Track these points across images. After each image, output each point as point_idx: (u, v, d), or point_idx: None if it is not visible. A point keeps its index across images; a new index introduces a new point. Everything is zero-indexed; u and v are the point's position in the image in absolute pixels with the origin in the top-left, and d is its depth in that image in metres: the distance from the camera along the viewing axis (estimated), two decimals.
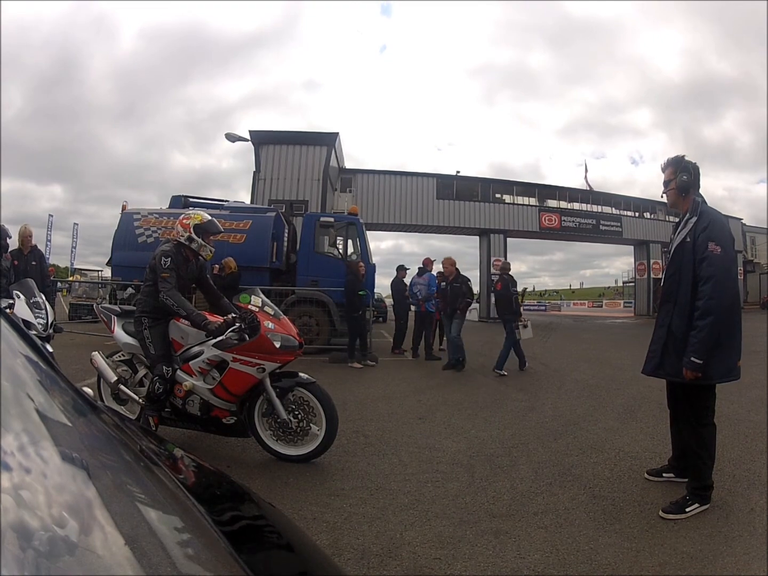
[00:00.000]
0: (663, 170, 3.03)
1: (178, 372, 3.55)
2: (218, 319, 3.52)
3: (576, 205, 28.41)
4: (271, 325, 3.48)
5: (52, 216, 27.24)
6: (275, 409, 3.47)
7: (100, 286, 17.57)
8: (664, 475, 3.20)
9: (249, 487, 1.01)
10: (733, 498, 2.88)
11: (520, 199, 27.48)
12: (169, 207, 11.47)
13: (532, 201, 27.68)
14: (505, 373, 7.42)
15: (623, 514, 2.71)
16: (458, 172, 27.54)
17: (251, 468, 3.37)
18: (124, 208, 11.16)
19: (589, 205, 28.60)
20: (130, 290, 10.45)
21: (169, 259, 3.57)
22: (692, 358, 2.69)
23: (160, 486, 0.76)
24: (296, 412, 3.52)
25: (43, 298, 4.37)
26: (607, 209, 28.87)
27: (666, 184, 3.01)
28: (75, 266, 22.99)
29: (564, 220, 27.64)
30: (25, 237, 6.92)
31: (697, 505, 2.71)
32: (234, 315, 3.56)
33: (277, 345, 3.43)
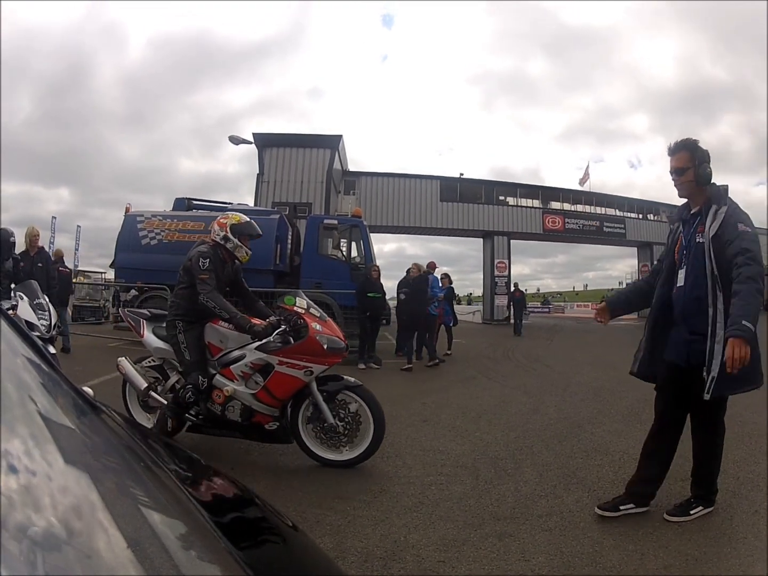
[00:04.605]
0: (671, 154, 2.61)
1: (217, 377, 3.43)
2: (261, 322, 3.45)
3: (579, 207, 28.36)
4: (318, 326, 3.41)
5: (55, 218, 27.31)
6: (322, 414, 3.39)
7: (103, 288, 17.64)
8: (621, 508, 2.68)
9: (252, 489, 1.01)
10: (737, 500, 2.86)
11: (523, 201, 27.44)
12: (173, 209, 11.49)
13: (536, 203, 27.64)
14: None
15: (627, 516, 2.68)
16: (462, 174, 27.57)
17: (255, 470, 3.36)
18: (127, 210, 11.19)
19: (592, 207, 28.54)
20: (133, 292, 10.49)
21: (208, 260, 3.47)
22: (744, 322, 2.18)
23: (162, 488, 0.76)
24: (343, 416, 3.45)
25: (47, 299, 4.39)
26: (610, 211, 28.81)
27: (680, 171, 2.58)
28: (78, 268, 23.06)
29: (567, 222, 27.60)
30: (32, 237, 6.98)
31: (701, 507, 2.64)
32: (278, 317, 3.50)
33: (325, 347, 3.36)
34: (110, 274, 16.25)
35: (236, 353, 3.45)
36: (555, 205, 28.04)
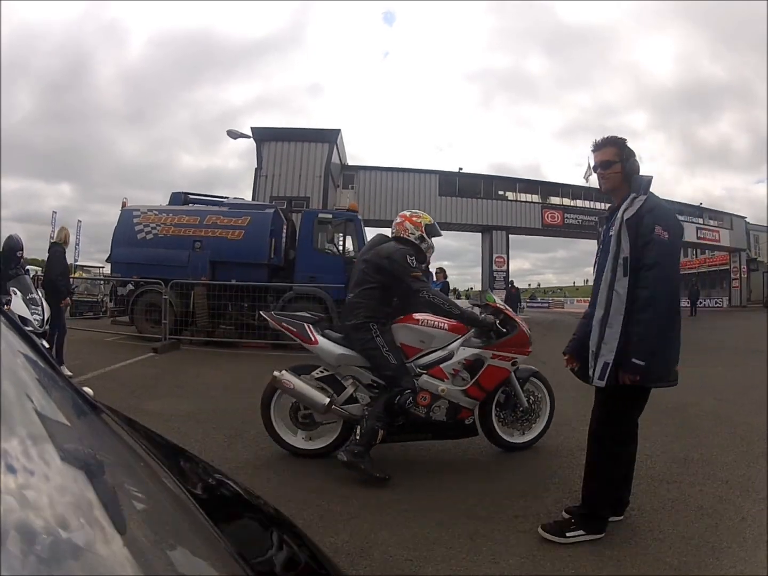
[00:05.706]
0: (596, 149, 2.54)
1: (424, 377, 3.33)
2: (487, 316, 3.50)
3: (579, 203, 28.27)
4: (520, 321, 3.59)
5: (56, 213, 27.35)
6: (518, 400, 3.62)
7: (101, 282, 17.65)
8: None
9: (252, 488, 1.01)
10: (724, 506, 2.75)
11: (522, 196, 27.43)
12: (169, 204, 11.46)
13: (535, 198, 27.62)
14: None
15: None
16: (461, 169, 27.47)
17: (234, 463, 3.30)
18: (123, 204, 11.17)
19: (591, 203, 28.45)
20: (130, 286, 10.48)
21: (413, 257, 3.33)
22: (633, 360, 2.25)
23: (160, 486, 0.76)
24: (532, 401, 3.71)
25: (40, 294, 4.38)
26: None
27: (607, 164, 2.50)
28: (78, 263, 23.09)
29: (567, 217, 27.57)
30: (68, 237, 7.18)
31: (581, 531, 2.36)
32: (485, 313, 3.55)
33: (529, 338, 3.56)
34: (108, 269, 16.25)
35: (440, 353, 3.42)
36: (554, 200, 27.99)
